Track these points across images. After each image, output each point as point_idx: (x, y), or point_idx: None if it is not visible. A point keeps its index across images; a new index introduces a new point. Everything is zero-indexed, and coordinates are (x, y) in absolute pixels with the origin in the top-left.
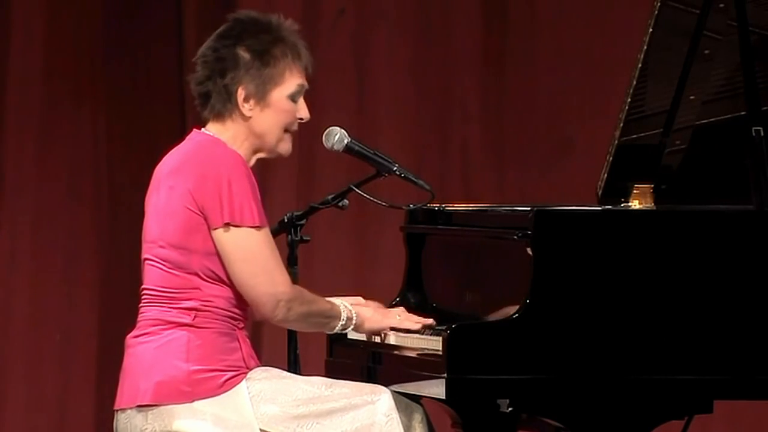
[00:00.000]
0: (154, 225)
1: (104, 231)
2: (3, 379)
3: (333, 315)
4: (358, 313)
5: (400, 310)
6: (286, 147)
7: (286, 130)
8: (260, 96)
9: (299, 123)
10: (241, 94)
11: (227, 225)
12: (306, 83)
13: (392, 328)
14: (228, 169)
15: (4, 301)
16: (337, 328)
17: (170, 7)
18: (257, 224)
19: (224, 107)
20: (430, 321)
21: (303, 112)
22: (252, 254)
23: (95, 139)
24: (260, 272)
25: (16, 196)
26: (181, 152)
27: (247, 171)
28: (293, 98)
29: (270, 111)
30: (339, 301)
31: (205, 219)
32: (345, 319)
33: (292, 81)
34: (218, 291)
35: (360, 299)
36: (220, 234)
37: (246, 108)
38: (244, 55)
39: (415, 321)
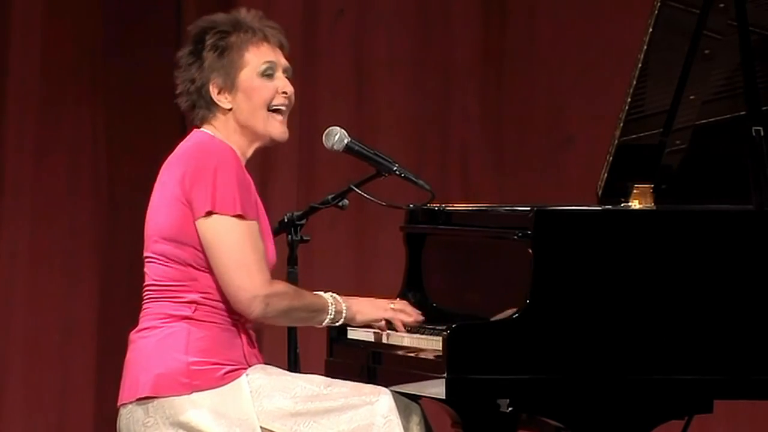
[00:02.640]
0: (150, 221)
1: (104, 230)
2: (3, 377)
3: (319, 308)
4: (350, 306)
5: (399, 302)
6: (277, 130)
7: (270, 110)
8: (230, 83)
9: (284, 97)
10: (213, 90)
11: (209, 213)
12: (278, 59)
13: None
14: (215, 160)
15: (4, 300)
16: (325, 321)
17: (170, 7)
18: (238, 212)
19: (208, 110)
20: (421, 318)
21: (282, 85)
22: (231, 245)
23: (95, 138)
24: (236, 265)
25: (16, 195)
26: (177, 150)
27: (237, 163)
28: (266, 75)
29: (243, 94)
30: (327, 294)
31: (191, 209)
32: (333, 312)
33: (258, 59)
34: (214, 282)
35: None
36: (202, 223)
37: (223, 101)
38: (206, 55)
39: (407, 313)
